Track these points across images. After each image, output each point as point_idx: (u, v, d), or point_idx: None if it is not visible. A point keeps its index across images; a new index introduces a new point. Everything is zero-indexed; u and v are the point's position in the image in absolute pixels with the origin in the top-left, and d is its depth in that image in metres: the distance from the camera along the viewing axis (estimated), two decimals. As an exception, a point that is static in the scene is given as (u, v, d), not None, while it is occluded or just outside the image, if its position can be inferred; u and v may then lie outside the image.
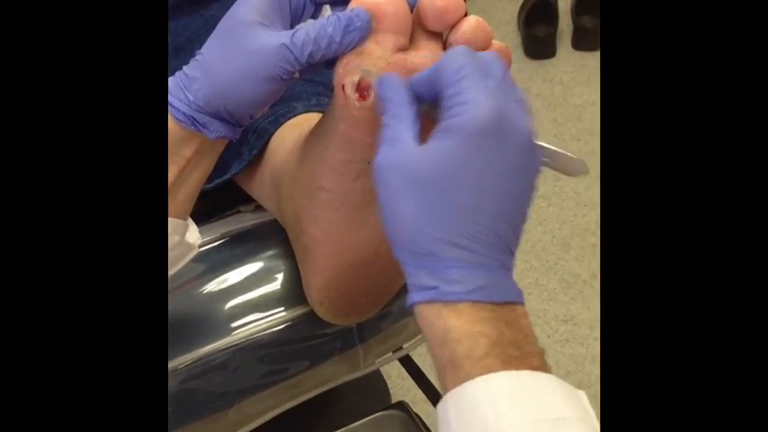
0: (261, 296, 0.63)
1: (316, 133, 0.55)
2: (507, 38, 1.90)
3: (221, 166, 0.64)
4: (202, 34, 0.72)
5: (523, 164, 0.44)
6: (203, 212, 0.67)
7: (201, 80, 0.48)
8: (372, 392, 0.94)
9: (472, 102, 0.43)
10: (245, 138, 0.64)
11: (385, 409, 0.73)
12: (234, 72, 0.48)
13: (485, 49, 0.49)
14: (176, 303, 0.61)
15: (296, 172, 0.57)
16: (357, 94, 0.47)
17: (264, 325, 0.62)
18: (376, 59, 0.47)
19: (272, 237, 0.66)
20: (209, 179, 0.65)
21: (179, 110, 0.49)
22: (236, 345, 0.61)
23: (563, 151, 0.47)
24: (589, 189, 1.60)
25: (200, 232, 0.66)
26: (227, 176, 0.64)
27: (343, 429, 0.71)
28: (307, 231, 0.56)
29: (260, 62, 0.47)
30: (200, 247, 0.65)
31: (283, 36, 0.47)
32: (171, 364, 0.58)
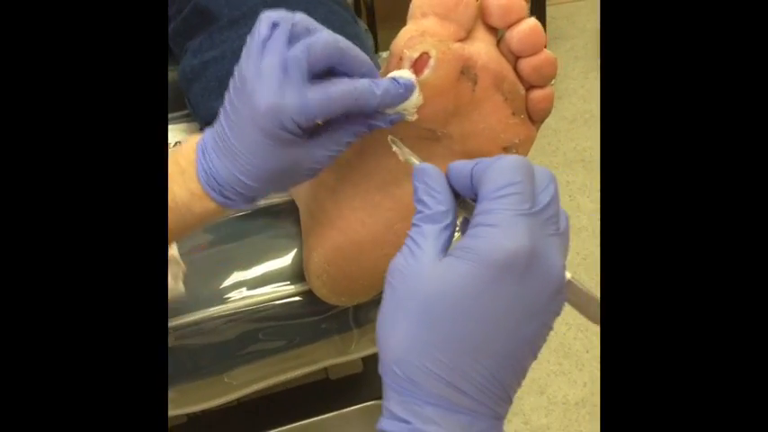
0: (262, 270, 0.64)
1: None
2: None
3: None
4: (259, 10, 0.74)
5: (545, 305, 0.39)
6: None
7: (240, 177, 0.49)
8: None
9: (502, 227, 0.37)
10: None
11: (379, 398, 0.74)
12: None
13: (535, 53, 0.51)
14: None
15: None
16: (412, 69, 0.49)
17: (261, 298, 0.63)
18: (438, 42, 0.49)
19: (283, 216, 0.68)
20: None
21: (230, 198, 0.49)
22: (232, 314, 0.63)
23: (589, 292, 0.41)
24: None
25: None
26: None
27: (335, 413, 0.72)
28: (320, 203, 0.57)
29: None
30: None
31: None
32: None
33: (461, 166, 0.41)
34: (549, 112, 0.54)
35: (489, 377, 0.38)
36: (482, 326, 0.37)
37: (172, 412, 0.66)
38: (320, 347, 0.66)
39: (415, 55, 0.48)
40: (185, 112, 0.76)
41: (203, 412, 0.74)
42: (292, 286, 0.64)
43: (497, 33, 0.51)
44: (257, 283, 0.64)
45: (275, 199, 0.70)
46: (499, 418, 0.39)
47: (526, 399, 1.33)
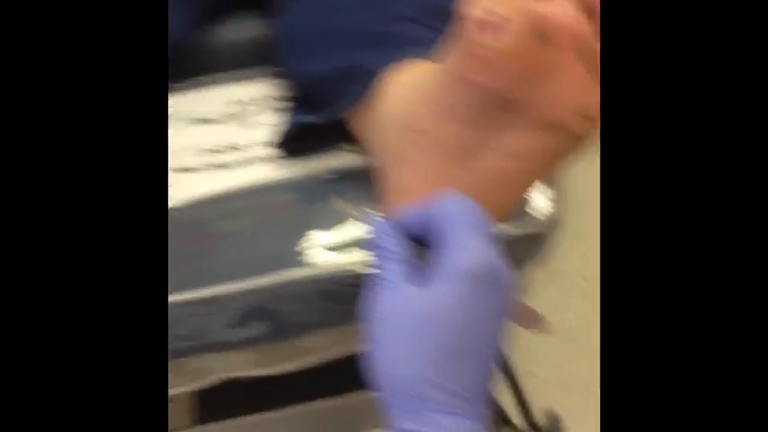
0: (343, 235, 0.63)
1: (425, 70, 0.54)
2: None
3: (330, 101, 0.65)
4: None
5: (505, 311, 0.47)
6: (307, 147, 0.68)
7: None
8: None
9: (475, 248, 0.46)
10: (354, 77, 0.63)
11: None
12: None
13: (592, 9, 0.46)
14: (263, 227, 0.63)
15: (392, 108, 0.56)
16: (480, 31, 0.46)
17: (340, 262, 0.62)
18: (510, 1, 0.45)
19: (367, 181, 0.66)
20: (317, 113, 0.65)
21: None
22: (312, 276, 0.62)
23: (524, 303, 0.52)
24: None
25: (300, 165, 0.67)
26: (333, 111, 0.65)
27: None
28: (389, 171, 0.56)
29: None
30: (294, 177, 0.67)
31: None
32: (246, 286, 0.61)
33: (411, 211, 0.50)
34: None
35: (476, 377, 0.45)
36: (469, 334, 0.45)
37: (250, 372, 0.66)
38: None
39: (484, 15, 0.45)
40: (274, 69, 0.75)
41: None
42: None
43: None
44: (338, 246, 0.62)
45: (355, 163, 0.68)
46: (485, 418, 0.45)
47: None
